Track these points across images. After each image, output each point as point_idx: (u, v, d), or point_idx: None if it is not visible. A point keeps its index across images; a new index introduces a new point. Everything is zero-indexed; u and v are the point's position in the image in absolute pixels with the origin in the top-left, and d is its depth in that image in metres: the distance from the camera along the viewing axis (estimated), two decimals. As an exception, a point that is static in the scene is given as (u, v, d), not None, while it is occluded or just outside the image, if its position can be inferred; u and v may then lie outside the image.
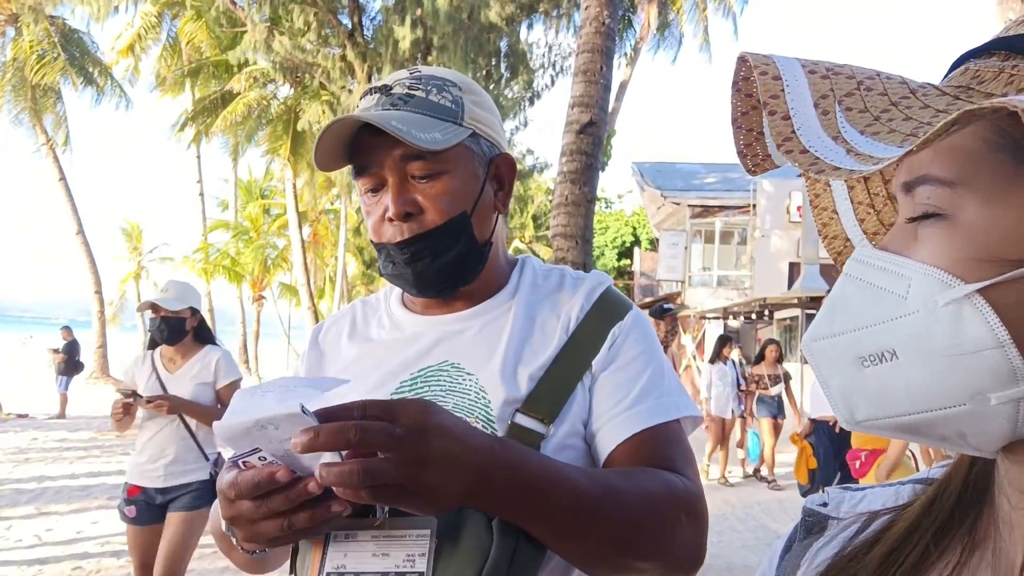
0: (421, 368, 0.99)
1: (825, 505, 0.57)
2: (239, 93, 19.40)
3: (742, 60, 0.44)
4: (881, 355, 0.42)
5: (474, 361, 0.97)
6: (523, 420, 0.91)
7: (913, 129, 0.37)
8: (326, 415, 0.70)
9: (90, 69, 21.01)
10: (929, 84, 0.42)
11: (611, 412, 0.94)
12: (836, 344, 0.44)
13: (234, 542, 0.81)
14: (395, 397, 0.96)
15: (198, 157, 30.65)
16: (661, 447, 0.92)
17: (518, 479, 0.78)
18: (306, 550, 0.83)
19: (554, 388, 0.94)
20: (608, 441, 0.93)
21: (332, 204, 29.76)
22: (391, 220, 0.97)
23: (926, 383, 0.40)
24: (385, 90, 0.99)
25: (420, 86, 0.98)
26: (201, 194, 31.70)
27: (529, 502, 0.79)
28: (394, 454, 0.68)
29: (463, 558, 0.78)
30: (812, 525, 0.56)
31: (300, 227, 22.32)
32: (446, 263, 0.98)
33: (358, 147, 0.98)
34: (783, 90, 0.40)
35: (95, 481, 7.85)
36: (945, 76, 0.45)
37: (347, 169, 1.04)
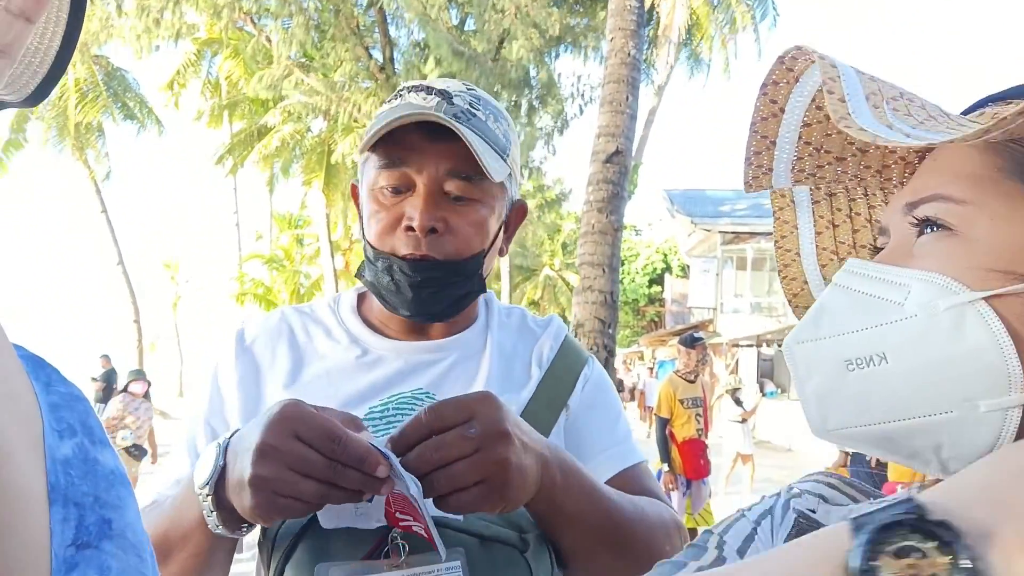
0: (392, 395, 0.91)
1: (814, 512, 0.57)
2: (274, 127, 19.87)
3: (780, 60, 0.46)
4: (870, 359, 0.42)
5: (453, 394, 0.92)
6: None
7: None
8: (400, 440, 0.71)
9: (131, 105, 21.74)
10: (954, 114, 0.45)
11: (595, 449, 0.97)
12: (821, 347, 0.45)
13: (212, 519, 0.71)
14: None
15: (235, 189, 31.33)
16: (645, 481, 0.97)
17: (570, 476, 0.80)
18: None
19: (535, 423, 0.92)
20: (596, 476, 0.94)
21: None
22: (409, 230, 0.89)
23: (914, 388, 0.41)
24: (446, 97, 0.91)
25: (480, 107, 0.93)
26: (237, 224, 32.36)
27: (577, 502, 0.80)
28: (476, 456, 0.69)
29: None
30: (804, 528, 0.57)
31: (332, 256, 22.61)
32: (449, 297, 0.95)
33: (401, 139, 0.89)
34: (840, 76, 0.41)
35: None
36: (964, 113, 0.47)
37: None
